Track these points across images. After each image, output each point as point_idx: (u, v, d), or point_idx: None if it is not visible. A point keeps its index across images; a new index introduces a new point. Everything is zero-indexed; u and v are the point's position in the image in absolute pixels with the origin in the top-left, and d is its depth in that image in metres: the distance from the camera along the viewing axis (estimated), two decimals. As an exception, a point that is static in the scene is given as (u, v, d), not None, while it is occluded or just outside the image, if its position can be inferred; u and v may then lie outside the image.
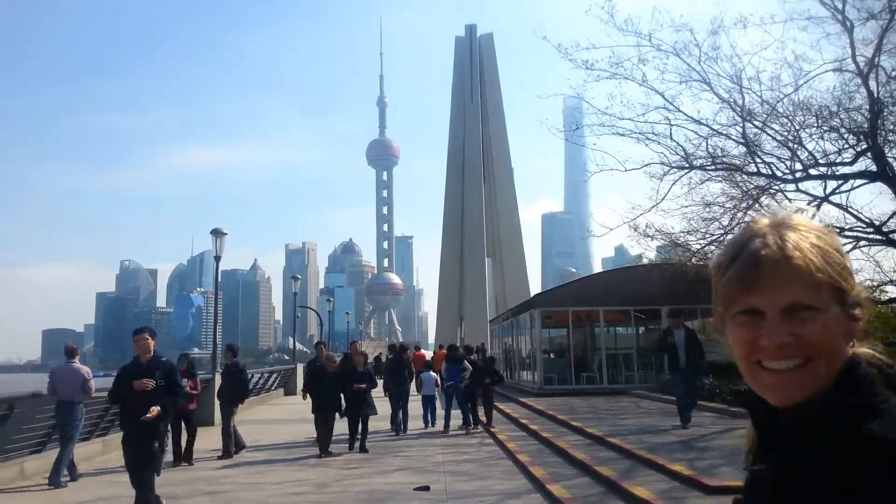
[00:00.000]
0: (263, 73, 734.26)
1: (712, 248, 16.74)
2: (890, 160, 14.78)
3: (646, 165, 16.68)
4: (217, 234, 21.45)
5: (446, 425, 15.26)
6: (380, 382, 15.32)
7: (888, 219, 15.21)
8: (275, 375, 28.37)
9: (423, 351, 29.26)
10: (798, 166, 15.75)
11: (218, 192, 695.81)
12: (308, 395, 13.43)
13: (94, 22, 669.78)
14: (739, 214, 16.19)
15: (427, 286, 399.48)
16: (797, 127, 15.48)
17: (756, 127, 15.62)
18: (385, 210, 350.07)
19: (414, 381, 17.57)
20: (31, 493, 9.55)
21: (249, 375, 25.61)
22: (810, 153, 15.57)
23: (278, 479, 9.98)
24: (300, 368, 27.01)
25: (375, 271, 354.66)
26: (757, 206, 15.86)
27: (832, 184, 15.72)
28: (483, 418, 15.86)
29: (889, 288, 16.85)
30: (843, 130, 15.20)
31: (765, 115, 15.58)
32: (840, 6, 14.02)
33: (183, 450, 11.36)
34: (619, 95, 16.62)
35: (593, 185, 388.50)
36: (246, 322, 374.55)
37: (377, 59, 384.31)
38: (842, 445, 0.89)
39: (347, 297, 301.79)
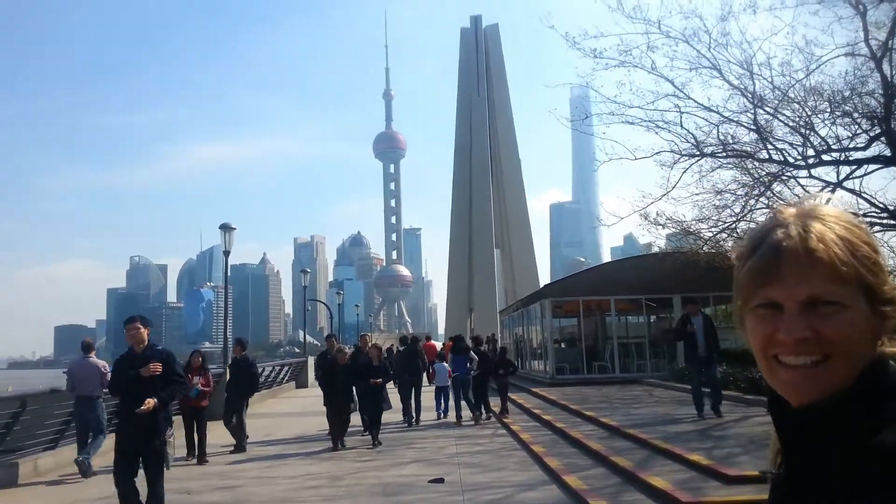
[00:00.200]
0: (270, 69, 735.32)
1: (724, 235, 16.61)
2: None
3: (656, 154, 16.55)
4: (226, 228, 21.47)
5: (458, 416, 15.23)
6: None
7: None
8: (286, 368, 28.43)
9: (433, 342, 29.21)
10: (810, 152, 15.56)
11: (226, 188, 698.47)
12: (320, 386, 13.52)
13: (104, 24, 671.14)
14: (751, 202, 16.06)
15: (436, 278, 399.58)
16: (809, 112, 15.30)
17: (768, 113, 15.44)
18: (393, 202, 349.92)
19: (426, 372, 17.58)
20: (46, 487, 9.56)
21: (260, 369, 25.92)
22: (823, 139, 15.38)
23: (291, 472, 9.96)
24: (311, 361, 27.04)
25: (384, 263, 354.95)
26: (769, 192, 15.73)
27: (845, 169, 15.55)
28: (496, 408, 15.86)
29: (904, 274, 16.65)
30: (856, 115, 15.00)
31: (776, 102, 15.40)
32: (853, -11, 13.80)
33: (196, 447, 11.25)
34: (628, 84, 16.35)
35: (602, 175, 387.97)
36: (256, 316, 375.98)
37: (383, 52, 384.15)
38: (849, 449, 0.85)
39: (357, 289, 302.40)
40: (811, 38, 15.50)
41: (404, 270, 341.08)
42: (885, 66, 13.98)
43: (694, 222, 17.48)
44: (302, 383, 28.24)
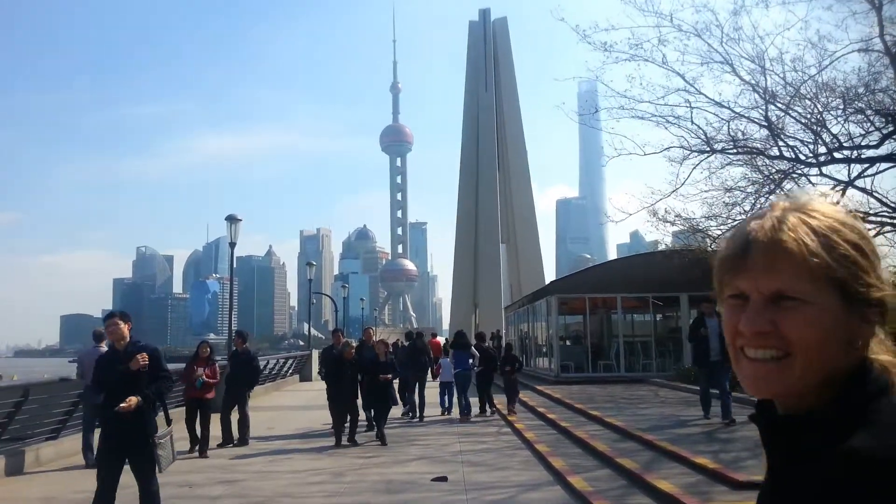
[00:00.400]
0: (278, 63, 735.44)
1: (734, 233, 16.46)
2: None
3: (665, 149, 16.40)
4: (232, 220, 21.42)
5: (461, 412, 15.17)
6: None
7: None
8: (290, 361, 28.41)
9: (438, 338, 29.15)
10: (822, 149, 15.39)
11: (233, 180, 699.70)
12: (324, 381, 13.39)
13: (114, 18, 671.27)
14: (762, 199, 15.88)
15: (441, 272, 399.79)
16: (821, 109, 15.12)
17: (780, 109, 15.26)
18: (399, 196, 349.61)
19: (430, 368, 17.53)
20: (47, 474, 9.51)
21: (265, 362, 25.87)
22: (834, 136, 15.20)
23: (294, 467, 9.88)
24: (315, 354, 27.00)
25: (389, 257, 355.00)
26: (779, 190, 15.56)
27: (857, 168, 15.38)
28: (499, 406, 15.79)
29: (914, 275, 16.47)
30: (868, 112, 14.81)
31: (788, 98, 15.23)
32: (869, -17, 13.61)
33: (199, 440, 11.10)
34: (638, 78, 16.21)
35: (609, 171, 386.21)
36: (261, 308, 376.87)
37: (390, 46, 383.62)
38: (823, 455, 0.82)
39: (362, 283, 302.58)
40: (825, 33, 15.24)
41: (410, 264, 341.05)
42: (901, 62, 13.79)
43: (703, 220, 17.34)
44: (306, 376, 28.21)
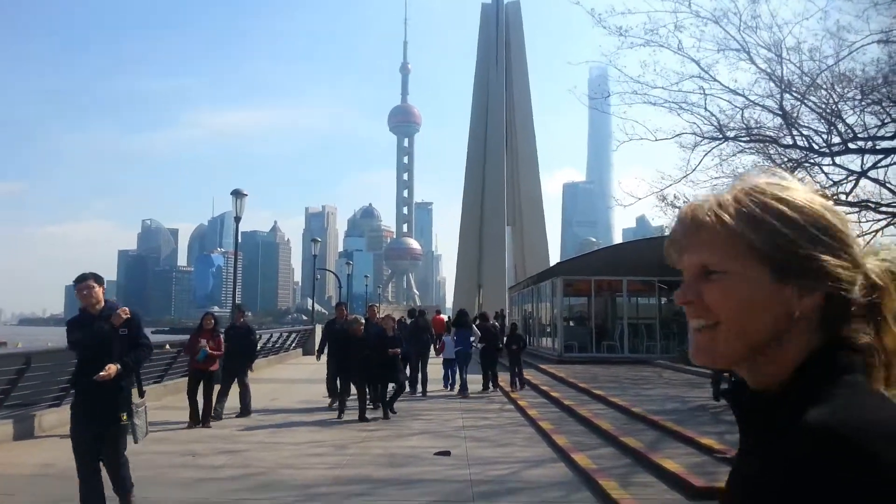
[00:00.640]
0: (289, 40, 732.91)
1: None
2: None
3: (677, 136, 16.29)
4: (237, 194, 21.34)
5: (462, 389, 15.21)
6: None
7: None
8: (293, 335, 28.49)
9: (442, 315, 29.14)
10: (836, 140, 15.22)
11: (241, 156, 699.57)
12: (326, 356, 13.32)
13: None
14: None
15: (445, 252, 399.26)
16: (836, 99, 14.94)
17: (796, 98, 15.06)
18: (405, 176, 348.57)
19: (433, 344, 17.54)
20: (49, 441, 9.51)
21: (268, 335, 25.91)
22: (849, 127, 15.04)
23: (296, 439, 9.86)
24: (318, 329, 27.03)
25: (394, 236, 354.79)
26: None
27: (871, 159, 15.21)
28: (503, 383, 15.82)
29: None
30: (886, 103, 14.61)
31: (804, 87, 15.04)
32: (893, -27, 13.34)
33: (201, 412, 10.98)
34: (652, 64, 16.16)
35: (617, 156, 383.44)
36: (265, 283, 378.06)
37: (401, 26, 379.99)
38: (777, 430, 0.83)
39: (366, 260, 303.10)
40: (844, 23, 15.04)
41: (414, 244, 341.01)
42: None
43: (713, 207, 17.20)
44: (309, 350, 28.19)
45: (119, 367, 5.42)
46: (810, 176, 15.71)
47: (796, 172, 15.29)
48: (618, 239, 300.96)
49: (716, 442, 8.03)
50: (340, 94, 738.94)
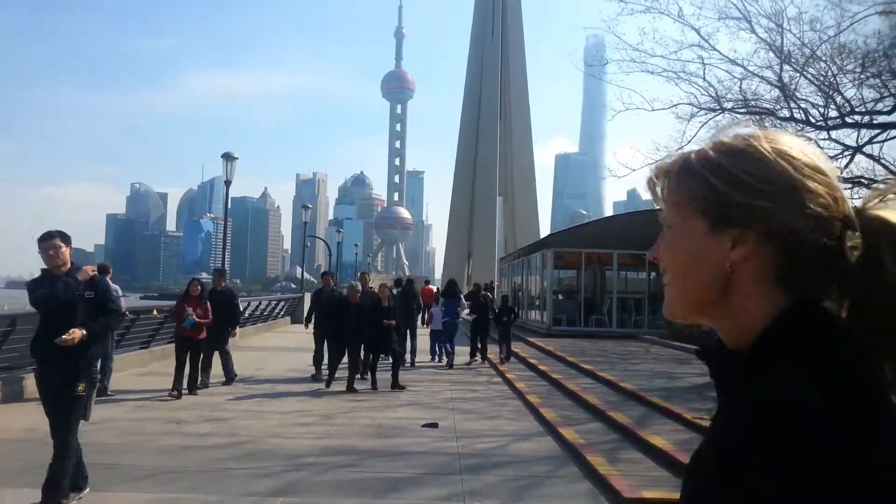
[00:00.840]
0: (283, 1, 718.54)
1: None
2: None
3: (674, 106, 16.17)
4: (228, 158, 21.09)
5: (450, 361, 15.25)
6: None
7: None
8: (282, 303, 28.40)
9: (431, 286, 29.11)
10: (833, 113, 15.15)
11: (232, 120, 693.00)
12: (315, 325, 13.16)
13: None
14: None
15: (436, 222, 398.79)
16: (835, 72, 14.83)
17: (795, 69, 14.93)
18: (398, 144, 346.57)
19: (422, 315, 17.54)
20: (34, 404, 9.41)
21: (257, 303, 25.80)
22: (847, 100, 14.95)
23: (283, 408, 9.81)
24: (308, 297, 26.93)
25: (385, 205, 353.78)
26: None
27: (867, 135, 15.14)
28: (491, 356, 15.85)
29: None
30: (885, 76, 14.50)
31: (804, 59, 14.90)
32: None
33: (187, 380, 10.71)
34: (651, 32, 15.96)
35: (611, 128, 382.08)
36: (254, 250, 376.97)
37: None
38: (738, 393, 0.79)
39: (356, 229, 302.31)
40: (848, -8, 14.83)
41: (405, 213, 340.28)
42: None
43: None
44: (297, 319, 28.15)
45: (84, 332, 5.01)
46: None
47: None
48: (608, 212, 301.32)
49: (704, 418, 8.03)
50: (334, 58, 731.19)
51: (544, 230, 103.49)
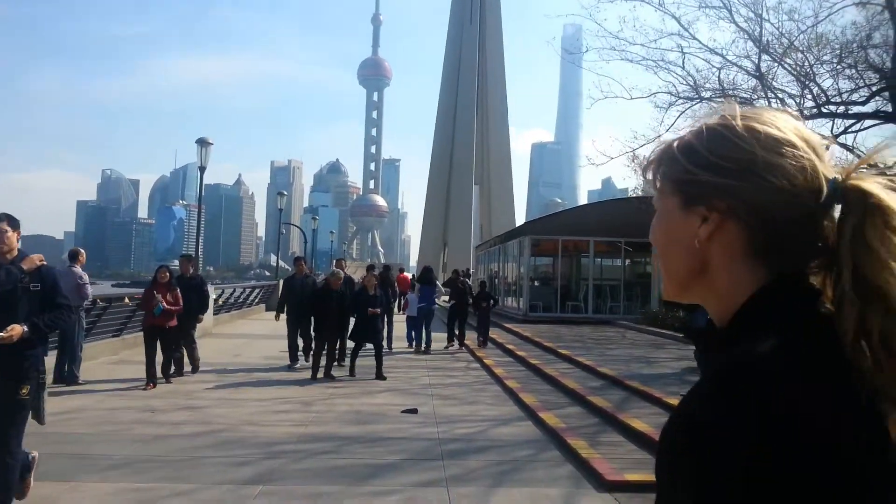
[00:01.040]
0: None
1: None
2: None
3: (653, 94, 16.21)
4: (202, 143, 20.66)
5: (427, 345, 15.28)
6: None
7: (894, 163, 14.88)
8: (257, 291, 28.15)
9: (406, 273, 29.08)
10: (810, 103, 15.29)
11: (205, 106, 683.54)
12: (287, 312, 12.78)
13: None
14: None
15: (412, 210, 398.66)
16: (812, 62, 14.96)
17: (773, 59, 15.04)
18: (374, 131, 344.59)
19: (398, 302, 17.46)
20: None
21: (231, 290, 25.50)
22: (823, 91, 15.09)
23: (259, 396, 9.66)
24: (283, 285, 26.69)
25: (361, 192, 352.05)
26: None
27: (843, 125, 15.31)
28: (469, 342, 15.85)
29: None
30: (861, 67, 14.66)
31: (782, 49, 15.01)
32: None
33: (160, 368, 10.35)
34: (632, 20, 15.96)
35: (587, 117, 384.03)
36: (228, 237, 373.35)
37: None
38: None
39: (332, 216, 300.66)
40: (825, -17, 14.96)
41: (380, 200, 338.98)
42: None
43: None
44: (272, 306, 27.92)
45: (25, 328, 4.43)
46: None
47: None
48: (583, 200, 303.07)
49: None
50: (310, 43, 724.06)
51: (520, 219, 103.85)
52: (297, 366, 12.25)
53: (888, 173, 0.80)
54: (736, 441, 0.68)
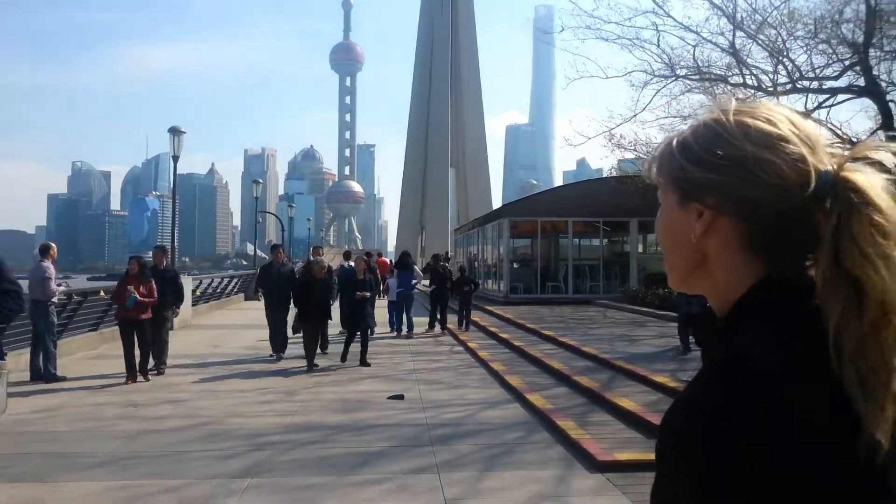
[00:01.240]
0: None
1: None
2: (880, 75, 14.48)
3: (629, 73, 16.21)
4: (175, 132, 20.26)
5: (409, 329, 15.29)
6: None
7: (868, 137, 15.04)
8: (234, 280, 27.91)
9: (384, 258, 28.99)
10: (783, 79, 15.38)
11: (175, 95, 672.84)
12: (265, 302, 12.56)
13: None
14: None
15: (388, 195, 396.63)
16: (785, 37, 15.03)
17: (747, 35, 15.07)
18: (347, 117, 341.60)
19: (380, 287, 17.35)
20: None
21: (209, 280, 25.21)
22: (795, 66, 15.20)
23: (242, 387, 9.55)
24: (259, 272, 26.44)
25: (336, 179, 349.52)
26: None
27: (816, 100, 15.43)
28: (451, 326, 15.83)
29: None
30: (833, 42, 14.76)
31: (756, 25, 15.05)
32: None
33: (138, 364, 9.99)
34: (606, -2, 15.81)
35: (560, 98, 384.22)
36: (203, 227, 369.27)
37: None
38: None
39: (308, 204, 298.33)
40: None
41: (356, 186, 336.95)
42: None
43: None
44: (251, 295, 27.72)
45: None
46: None
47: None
48: (558, 182, 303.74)
49: (669, 379, 8.10)
50: (280, 28, 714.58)
51: (496, 201, 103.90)
52: (283, 356, 11.97)
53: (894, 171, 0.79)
54: (735, 431, 0.71)
